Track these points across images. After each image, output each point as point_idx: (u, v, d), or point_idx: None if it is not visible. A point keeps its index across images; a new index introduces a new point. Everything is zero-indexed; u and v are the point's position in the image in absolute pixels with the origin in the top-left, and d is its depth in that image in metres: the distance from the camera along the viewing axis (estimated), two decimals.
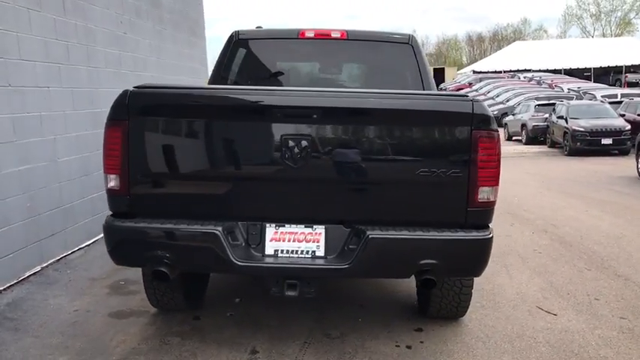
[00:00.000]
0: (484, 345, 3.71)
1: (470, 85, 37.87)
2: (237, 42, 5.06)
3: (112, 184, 3.12)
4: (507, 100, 28.83)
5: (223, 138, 3.16)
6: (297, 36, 4.99)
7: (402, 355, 3.57)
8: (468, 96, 3.10)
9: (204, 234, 3.01)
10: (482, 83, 37.03)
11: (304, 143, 3.01)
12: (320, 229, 3.13)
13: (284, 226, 3.14)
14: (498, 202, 3.21)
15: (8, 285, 4.65)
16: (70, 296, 4.57)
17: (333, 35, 4.99)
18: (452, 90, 31.65)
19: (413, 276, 3.19)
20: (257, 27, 5.41)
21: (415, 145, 3.12)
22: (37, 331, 3.90)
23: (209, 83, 5.10)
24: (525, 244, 6.21)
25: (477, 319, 4.10)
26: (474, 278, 3.71)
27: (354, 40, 5.02)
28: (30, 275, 4.93)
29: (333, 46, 5.07)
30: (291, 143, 3.00)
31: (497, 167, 3.09)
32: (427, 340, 3.78)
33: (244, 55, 5.09)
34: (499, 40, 70.66)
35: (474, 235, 3.06)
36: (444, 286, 3.76)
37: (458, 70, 52.27)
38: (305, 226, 3.13)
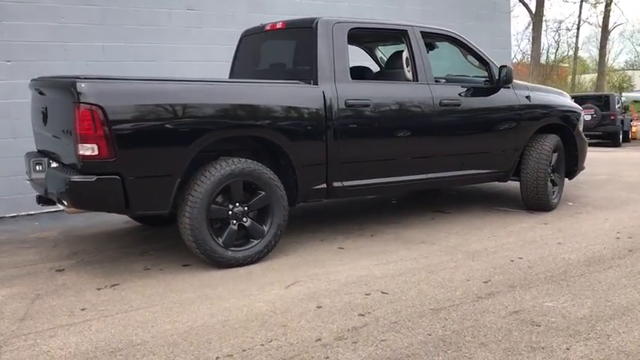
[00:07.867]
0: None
1: None
2: (241, 39, 6.17)
3: None
4: None
5: (36, 108, 5.00)
6: (262, 30, 5.78)
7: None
8: (87, 78, 4.01)
9: (25, 159, 4.98)
10: None
11: (45, 110, 4.63)
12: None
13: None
14: None
15: None
16: None
17: (277, 26, 5.55)
18: None
19: None
20: (261, 24, 6.23)
21: (62, 111, 4.25)
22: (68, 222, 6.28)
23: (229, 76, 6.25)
24: None
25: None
26: None
27: (287, 28, 5.49)
28: None
29: (276, 35, 5.68)
30: (43, 110, 4.67)
31: (94, 131, 3.92)
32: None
33: (244, 49, 6.15)
34: None
35: (69, 176, 4.02)
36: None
37: None
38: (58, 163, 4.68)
